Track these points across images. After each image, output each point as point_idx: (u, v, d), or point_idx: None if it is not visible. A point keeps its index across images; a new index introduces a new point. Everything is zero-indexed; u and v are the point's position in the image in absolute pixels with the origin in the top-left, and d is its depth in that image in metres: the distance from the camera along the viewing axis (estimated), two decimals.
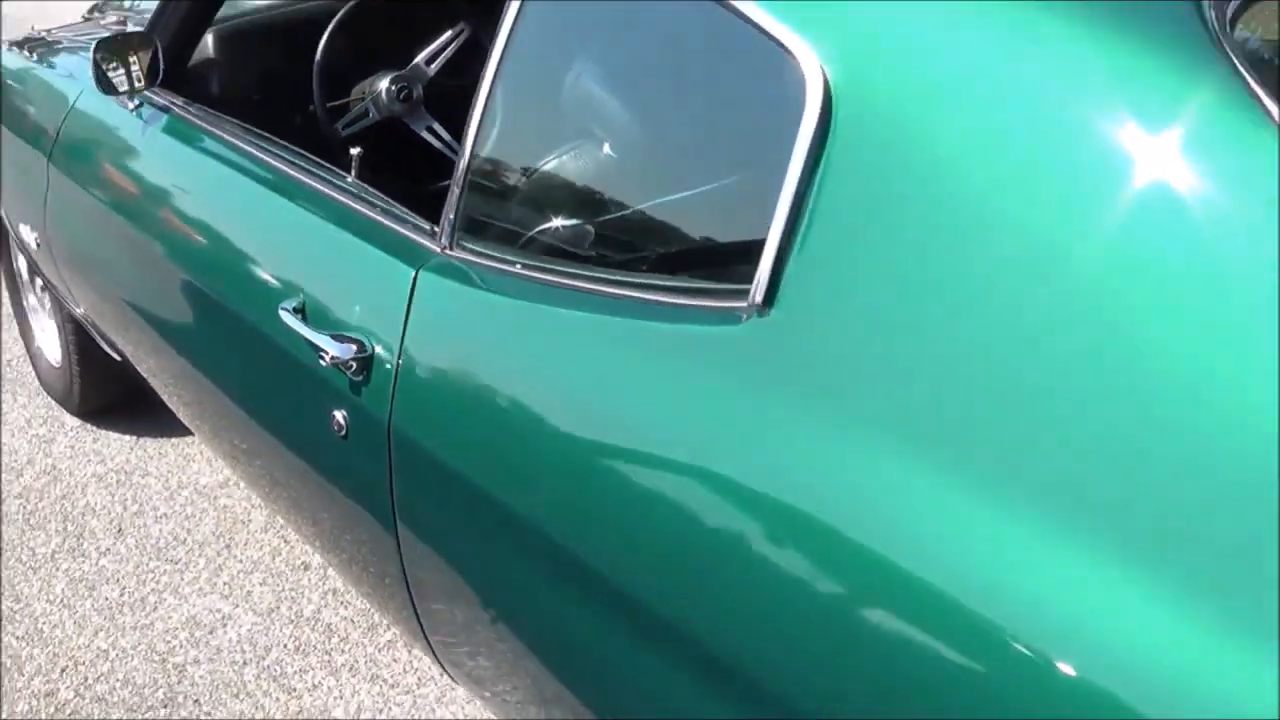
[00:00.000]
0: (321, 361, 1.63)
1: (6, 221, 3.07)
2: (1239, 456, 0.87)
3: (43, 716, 2.37)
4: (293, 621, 2.59)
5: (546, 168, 1.57)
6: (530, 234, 1.54)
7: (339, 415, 1.67)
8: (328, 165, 1.93)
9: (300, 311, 1.72)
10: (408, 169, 2.50)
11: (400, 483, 1.59)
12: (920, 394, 1.04)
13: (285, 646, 2.53)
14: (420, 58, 2.61)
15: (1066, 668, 0.89)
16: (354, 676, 2.44)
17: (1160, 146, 0.99)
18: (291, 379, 1.78)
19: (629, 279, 1.37)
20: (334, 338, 1.63)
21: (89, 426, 3.34)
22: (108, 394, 3.23)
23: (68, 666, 2.51)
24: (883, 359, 1.08)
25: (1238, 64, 1.01)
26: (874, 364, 1.08)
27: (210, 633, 2.58)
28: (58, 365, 3.28)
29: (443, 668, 1.82)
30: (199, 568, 2.77)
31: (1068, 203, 1.00)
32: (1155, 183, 0.98)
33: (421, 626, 1.74)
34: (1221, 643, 0.83)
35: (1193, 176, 0.97)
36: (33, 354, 3.49)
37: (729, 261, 1.26)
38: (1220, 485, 0.88)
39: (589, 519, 1.32)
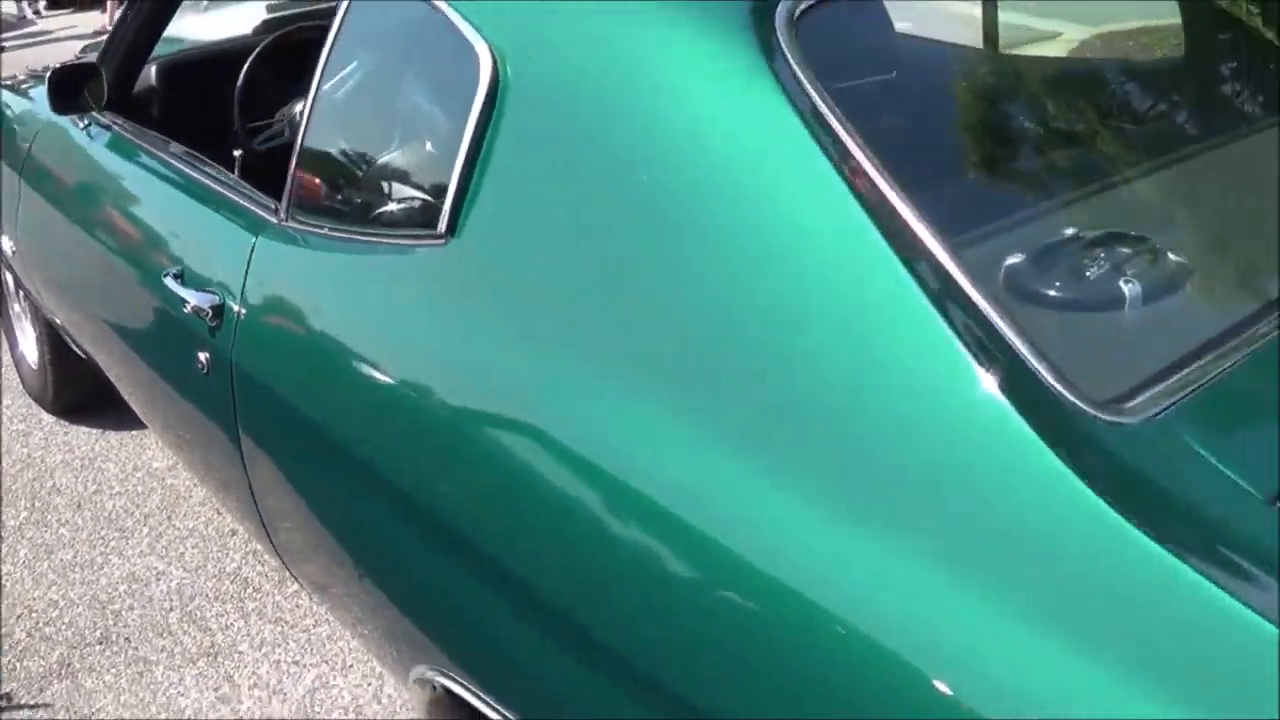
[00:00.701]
0: (185, 310, 2.13)
1: None
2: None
3: None
4: (215, 576, 3.09)
5: (333, 152, 2.08)
6: (324, 203, 2.05)
7: (202, 356, 2.16)
8: (218, 166, 2.45)
9: (180, 277, 2.23)
10: None
11: (241, 408, 2.09)
12: (568, 304, 1.50)
13: (206, 596, 3.02)
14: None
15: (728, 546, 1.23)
16: (261, 619, 2.93)
17: (708, 112, 1.45)
18: (176, 332, 2.28)
19: (378, 228, 1.87)
20: (197, 291, 2.14)
21: (62, 422, 3.89)
22: (78, 392, 3.76)
23: (23, 614, 3.02)
24: (539, 274, 1.55)
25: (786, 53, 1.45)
26: (532, 277, 1.56)
27: (145, 585, 3.08)
28: (36, 367, 3.82)
29: (287, 568, 2.31)
30: (142, 534, 3.28)
31: (660, 149, 1.44)
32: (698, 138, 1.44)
33: (265, 529, 2.23)
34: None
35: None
36: (16, 359, 4.04)
37: (432, 204, 1.74)
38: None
39: (357, 417, 1.80)
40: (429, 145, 1.84)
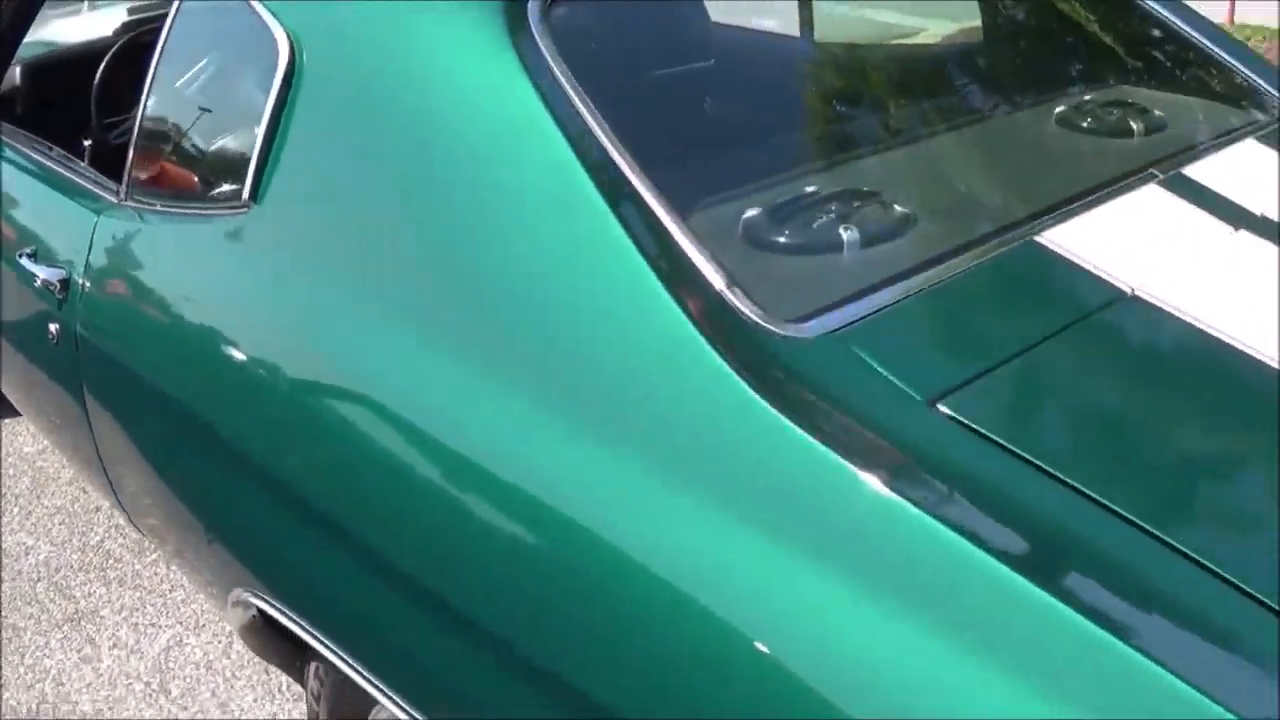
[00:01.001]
0: (37, 284, 2.36)
1: None
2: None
3: None
4: (80, 549, 3.31)
5: (164, 135, 2.32)
6: (156, 182, 2.28)
7: (53, 327, 2.39)
8: (71, 155, 2.68)
9: (33, 255, 2.46)
10: None
11: (85, 375, 2.32)
12: (354, 259, 1.74)
13: (72, 567, 3.24)
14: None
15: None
16: (122, 586, 3.15)
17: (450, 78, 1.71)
18: (31, 307, 2.50)
19: (198, 201, 2.11)
20: (46, 267, 2.37)
21: None
22: None
23: None
24: (329, 232, 1.79)
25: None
26: (324, 235, 1.80)
27: (15, 560, 3.29)
28: None
29: (135, 525, 2.53)
30: (13, 513, 3.49)
31: (424, 122, 1.69)
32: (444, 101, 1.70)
33: (115, 493, 2.45)
34: None
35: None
36: None
37: (239, 175, 1.98)
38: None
39: (184, 377, 2.03)
40: (239, 124, 2.08)
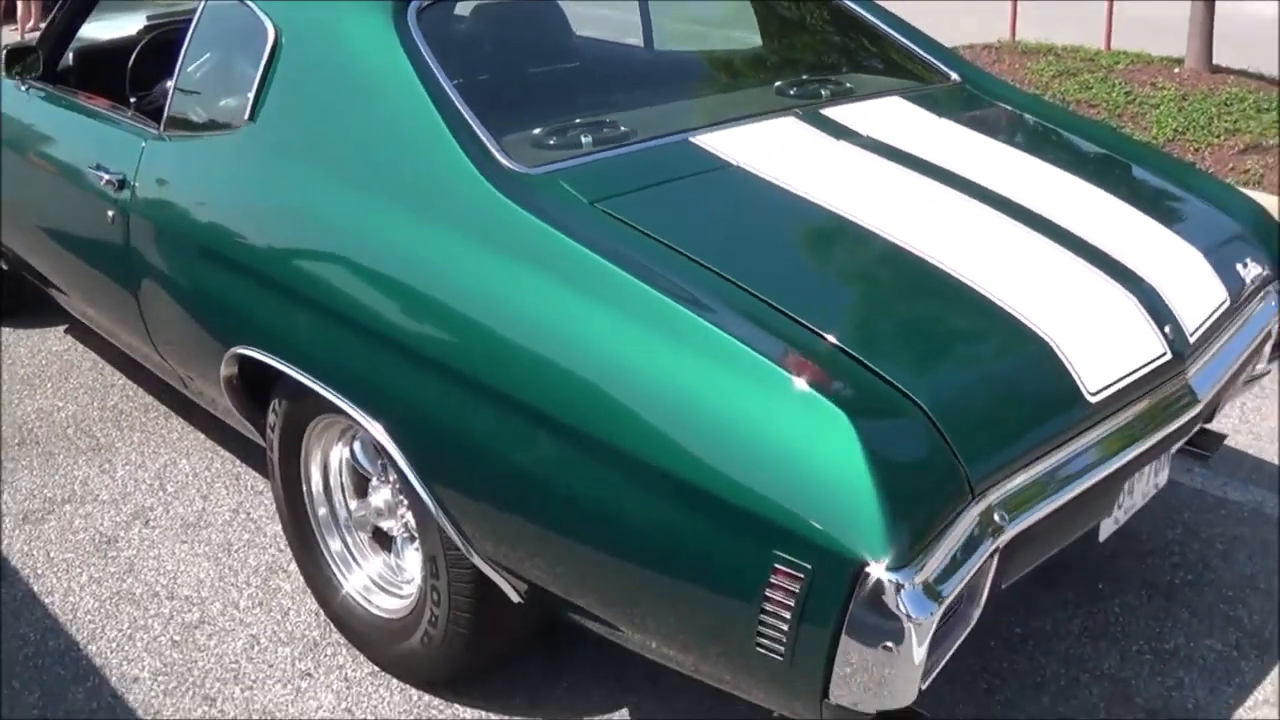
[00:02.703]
0: (101, 184, 3.78)
1: None
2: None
3: None
4: (100, 408, 4.65)
5: (191, 90, 3.73)
6: (184, 120, 3.67)
7: (110, 213, 3.78)
8: (121, 106, 4.10)
9: (98, 166, 3.86)
10: None
11: (132, 242, 3.72)
12: (313, 145, 3.16)
13: (93, 419, 4.58)
14: None
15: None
16: (130, 430, 4.51)
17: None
18: (95, 200, 3.83)
19: (214, 129, 3.54)
20: (108, 172, 3.78)
21: None
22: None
23: None
24: (299, 137, 3.21)
25: None
26: (296, 139, 3.21)
27: (49, 415, 4.62)
28: None
29: (156, 350, 3.90)
30: (46, 389, 4.85)
31: (346, 72, 3.12)
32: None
33: (145, 325, 3.82)
34: None
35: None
36: None
37: (243, 105, 3.38)
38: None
39: (201, 237, 3.43)
40: (243, 80, 3.43)
